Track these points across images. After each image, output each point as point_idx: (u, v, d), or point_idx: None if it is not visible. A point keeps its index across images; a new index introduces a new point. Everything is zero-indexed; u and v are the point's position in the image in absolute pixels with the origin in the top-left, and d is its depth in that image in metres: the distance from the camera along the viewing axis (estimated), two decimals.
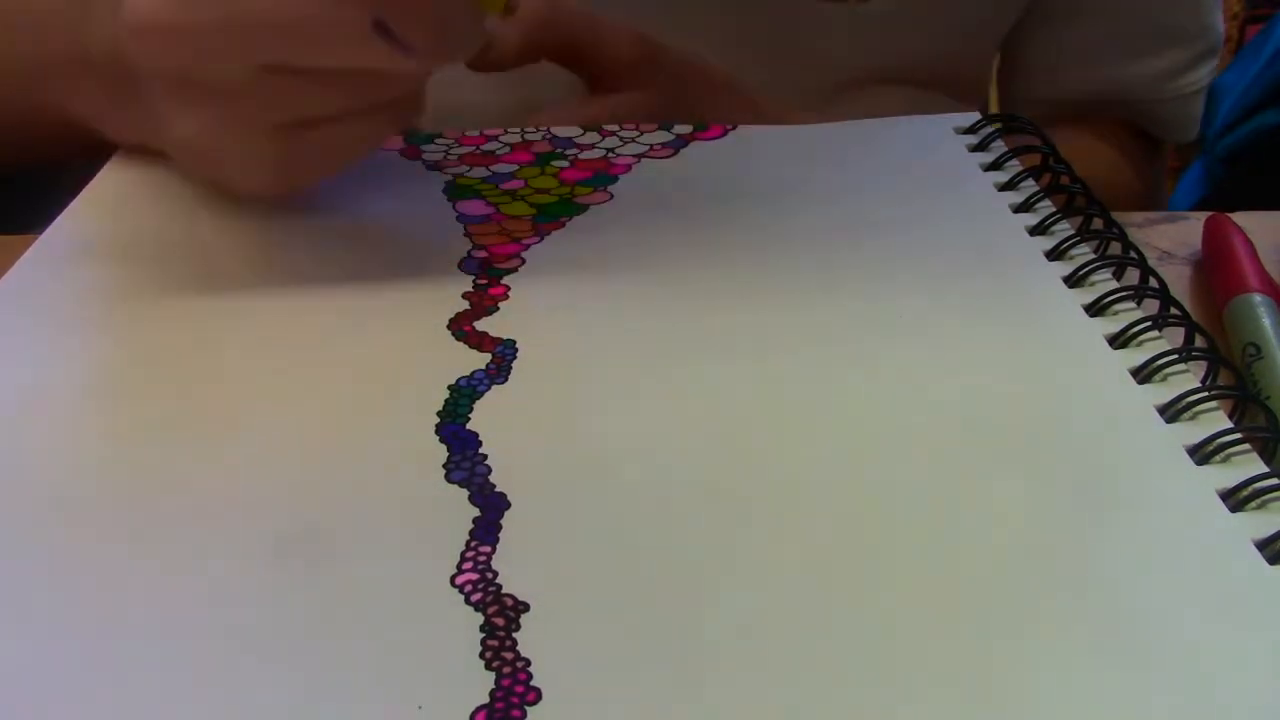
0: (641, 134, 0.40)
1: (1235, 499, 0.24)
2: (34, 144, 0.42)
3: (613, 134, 0.40)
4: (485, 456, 0.26)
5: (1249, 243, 0.34)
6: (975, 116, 0.40)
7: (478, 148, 0.40)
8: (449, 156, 0.39)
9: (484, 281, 0.32)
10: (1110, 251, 0.32)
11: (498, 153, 0.39)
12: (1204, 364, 0.28)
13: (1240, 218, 0.36)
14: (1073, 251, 0.33)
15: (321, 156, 0.34)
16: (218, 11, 0.30)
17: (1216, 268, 0.34)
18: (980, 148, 0.39)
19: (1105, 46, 0.56)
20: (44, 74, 0.38)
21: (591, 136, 0.40)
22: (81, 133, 0.38)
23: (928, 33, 0.53)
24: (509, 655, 0.21)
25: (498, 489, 0.25)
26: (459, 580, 0.23)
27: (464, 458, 0.26)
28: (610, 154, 0.39)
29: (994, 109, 0.62)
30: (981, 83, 0.58)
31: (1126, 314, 0.30)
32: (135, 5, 0.31)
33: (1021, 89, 0.58)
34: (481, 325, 0.30)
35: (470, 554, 0.23)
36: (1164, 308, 0.29)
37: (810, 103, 0.50)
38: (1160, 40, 0.56)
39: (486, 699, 0.20)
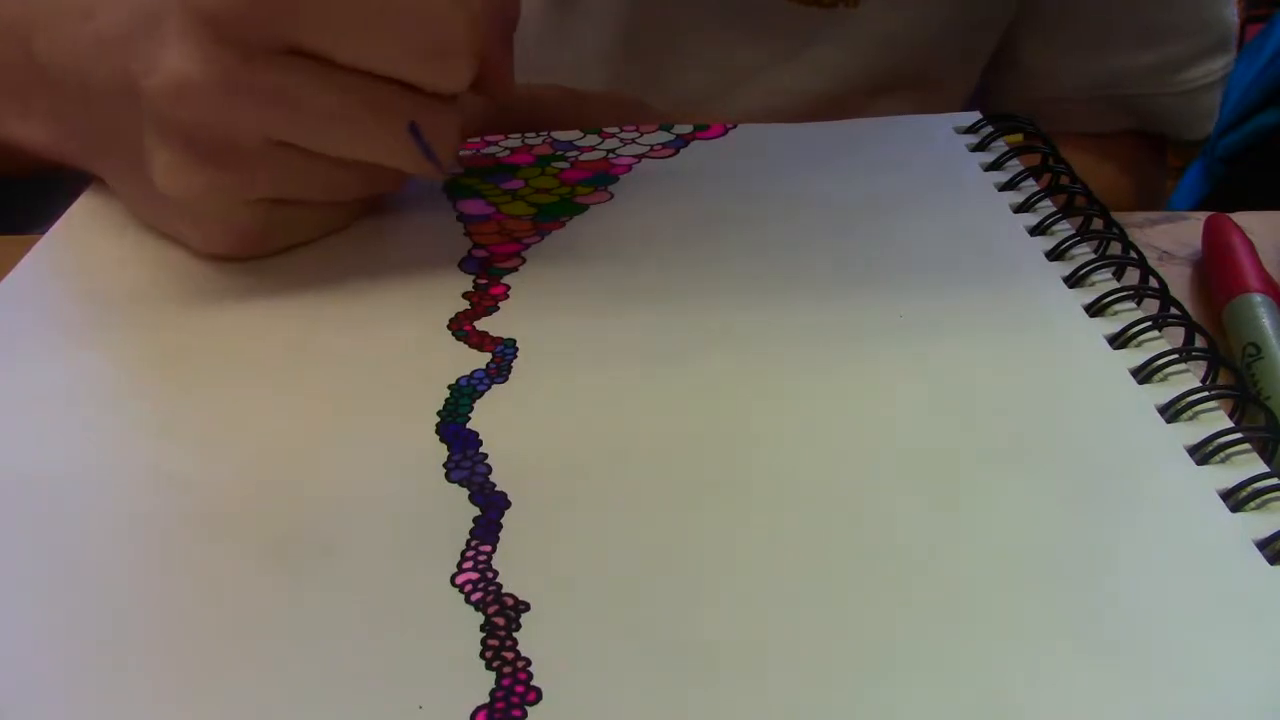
0: (642, 135, 0.40)
1: (1235, 499, 0.24)
2: None
3: (613, 135, 0.40)
4: (486, 456, 0.26)
5: (1249, 243, 0.34)
6: (975, 116, 0.40)
7: (478, 151, 0.40)
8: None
9: (484, 281, 0.32)
10: (1110, 251, 0.32)
11: (498, 155, 0.39)
12: (1204, 364, 0.28)
13: (1240, 218, 0.36)
14: (1073, 251, 0.33)
15: (288, 231, 0.33)
16: (263, 82, 0.29)
17: (1216, 268, 0.34)
18: (980, 147, 0.39)
19: (1098, 40, 0.56)
20: None
21: (592, 139, 0.40)
22: (15, 155, 0.37)
23: (918, 34, 0.53)
24: (509, 655, 0.21)
25: (498, 488, 0.25)
26: (459, 580, 0.23)
27: (464, 457, 0.26)
28: (611, 155, 0.39)
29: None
30: (973, 85, 0.58)
31: (1127, 314, 0.30)
32: (178, 57, 0.29)
33: (1016, 87, 0.58)
34: (482, 325, 0.30)
35: (471, 553, 0.23)
36: (1164, 308, 0.29)
37: (806, 110, 0.50)
38: (1155, 33, 0.56)
39: (487, 699, 0.20)
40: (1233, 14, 0.57)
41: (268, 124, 0.30)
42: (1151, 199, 0.60)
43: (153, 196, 0.32)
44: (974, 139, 0.39)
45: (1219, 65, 0.57)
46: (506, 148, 0.40)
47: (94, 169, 0.36)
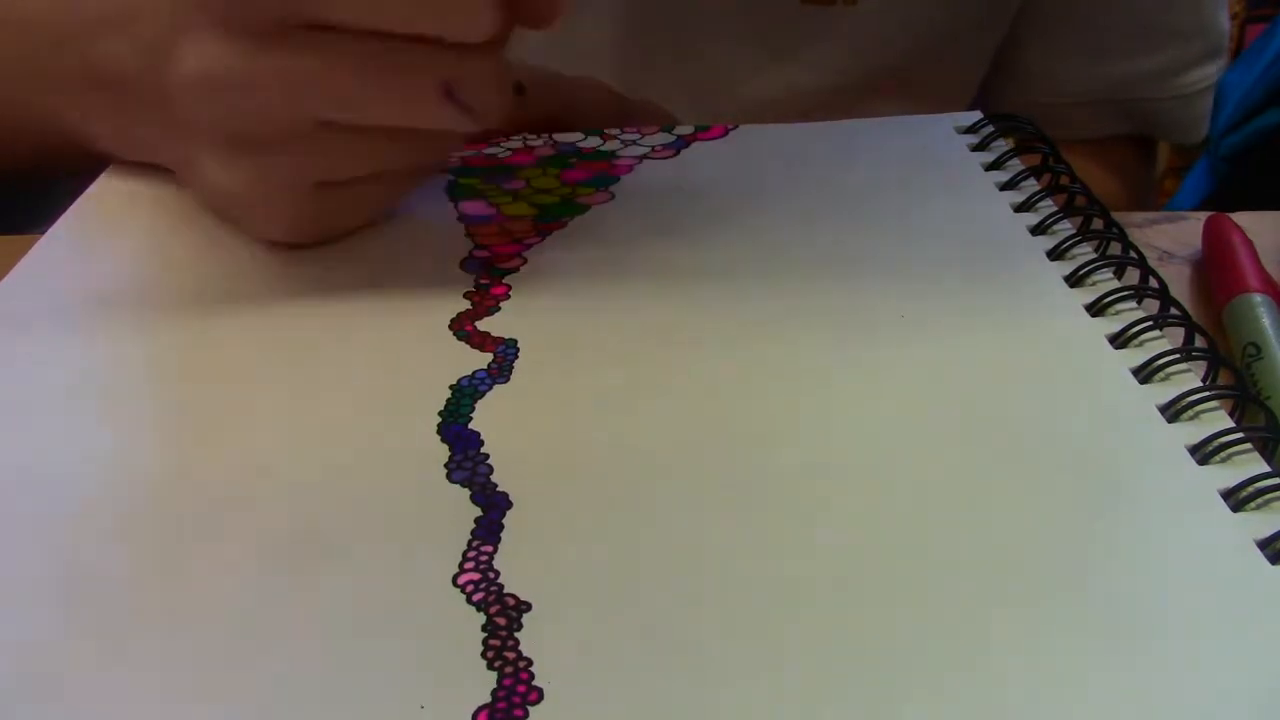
0: (643, 136, 0.40)
1: (1236, 498, 0.24)
2: (22, 155, 0.40)
3: (614, 137, 0.40)
4: (487, 456, 0.26)
5: (1249, 242, 0.34)
6: (976, 116, 0.40)
7: (479, 151, 0.40)
8: (450, 157, 0.39)
9: (486, 281, 0.32)
10: (1110, 251, 0.32)
11: (499, 155, 0.39)
12: (1204, 364, 0.28)
13: (1240, 218, 0.36)
14: (1074, 251, 0.33)
15: (352, 211, 0.34)
16: (283, 65, 0.29)
17: (1216, 268, 0.34)
18: (981, 147, 0.39)
19: (1100, 45, 0.56)
20: (48, 87, 0.37)
21: (594, 140, 0.40)
22: (77, 148, 0.37)
23: (918, 33, 0.53)
24: (511, 655, 0.21)
25: (499, 489, 0.25)
26: (461, 580, 0.23)
27: (466, 457, 0.26)
28: (612, 156, 0.39)
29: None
30: (973, 88, 0.58)
31: (1128, 313, 0.30)
32: (194, 56, 0.29)
33: (1016, 91, 0.58)
34: (483, 325, 0.30)
35: (472, 554, 0.23)
36: (1164, 308, 0.29)
37: (806, 107, 0.50)
38: (1156, 38, 0.56)
39: (489, 699, 0.20)
40: (1227, 19, 0.57)
41: (298, 104, 0.29)
42: (1141, 203, 0.60)
43: (213, 194, 0.32)
44: (974, 139, 0.39)
45: (1214, 69, 0.57)
46: (508, 148, 0.40)
47: (150, 159, 0.36)
